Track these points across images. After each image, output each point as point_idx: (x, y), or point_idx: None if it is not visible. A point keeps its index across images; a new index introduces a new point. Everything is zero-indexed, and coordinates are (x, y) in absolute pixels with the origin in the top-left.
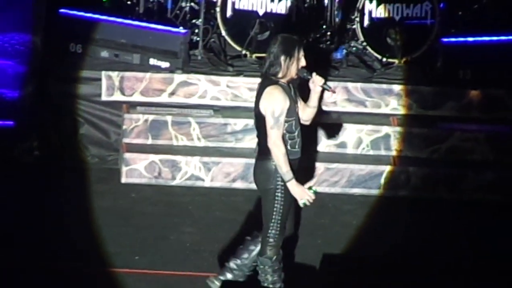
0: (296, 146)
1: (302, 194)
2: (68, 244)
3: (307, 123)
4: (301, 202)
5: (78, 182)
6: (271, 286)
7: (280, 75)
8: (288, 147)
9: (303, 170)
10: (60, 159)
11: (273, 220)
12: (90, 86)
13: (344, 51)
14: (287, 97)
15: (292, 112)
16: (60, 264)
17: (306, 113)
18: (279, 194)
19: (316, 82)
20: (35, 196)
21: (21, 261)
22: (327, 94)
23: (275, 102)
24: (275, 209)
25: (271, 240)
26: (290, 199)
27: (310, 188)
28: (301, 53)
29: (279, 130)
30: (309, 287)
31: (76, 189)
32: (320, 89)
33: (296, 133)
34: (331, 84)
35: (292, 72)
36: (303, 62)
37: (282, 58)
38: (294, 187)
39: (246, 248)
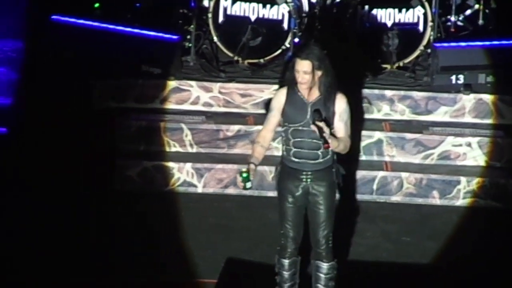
0: (291, 155)
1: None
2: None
3: (342, 153)
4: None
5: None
6: (276, 287)
7: (290, 80)
8: (284, 151)
9: None
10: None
11: (280, 219)
12: (83, 93)
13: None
14: (283, 99)
15: (289, 118)
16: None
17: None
18: (277, 193)
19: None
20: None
21: None
22: None
23: (271, 100)
24: (279, 208)
25: (281, 238)
26: (286, 201)
27: (240, 173)
28: (295, 65)
29: (264, 124)
30: None
31: (68, 196)
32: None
33: (291, 142)
34: None
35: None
36: (295, 75)
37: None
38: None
39: None
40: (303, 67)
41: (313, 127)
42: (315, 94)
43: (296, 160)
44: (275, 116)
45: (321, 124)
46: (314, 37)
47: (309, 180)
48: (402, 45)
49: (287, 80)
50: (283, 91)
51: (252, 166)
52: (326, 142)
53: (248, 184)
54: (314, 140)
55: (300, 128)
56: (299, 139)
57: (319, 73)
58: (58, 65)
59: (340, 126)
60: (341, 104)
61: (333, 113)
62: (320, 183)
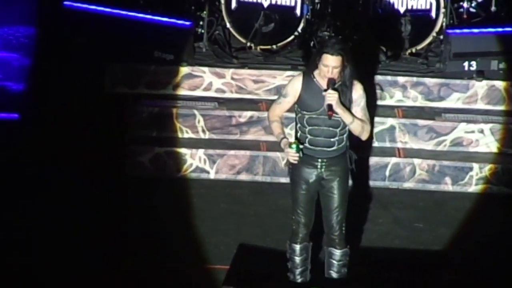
0: (306, 141)
1: (287, 155)
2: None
3: (361, 138)
4: (292, 161)
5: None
6: (289, 273)
7: (311, 68)
8: (298, 138)
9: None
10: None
11: (292, 205)
12: (95, 79)
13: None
14: (299, 86)
15: (305, 105)
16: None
17: (350, 128)
18: (290, 179)
19: (325, 98)
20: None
21: None
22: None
23: (287, 84)
24: (291, 194)
25: (292, 224)
26: (299, 188)
27: (290, 145)
28: (324, 61)
29: (276, 104)
30: None
31: (80, 182)
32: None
33: (307, 129)
34: None
35: (322, 74)
36: (324, 71)
37: (314, 54)
38: (283, 149)
39: None
40: (334, 63)
41: (324, 93)
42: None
43: (312, 147)
44: (289, 102)
45: (332, 91)
46: (327, 23)
47: (323, 167)
48: (414, 31)
49: (307, 70)
50: (299, 78)
51: (286, 140)
52: (330, 109)
53: (301, 153)
54: (331, 128)
55: (316, 116)
56: (315, 127)
57: (344, 66)
58: (70, 51)
59: (357, 111)
60: (357, 90)
61: (351, 100)
62: (335, 169)
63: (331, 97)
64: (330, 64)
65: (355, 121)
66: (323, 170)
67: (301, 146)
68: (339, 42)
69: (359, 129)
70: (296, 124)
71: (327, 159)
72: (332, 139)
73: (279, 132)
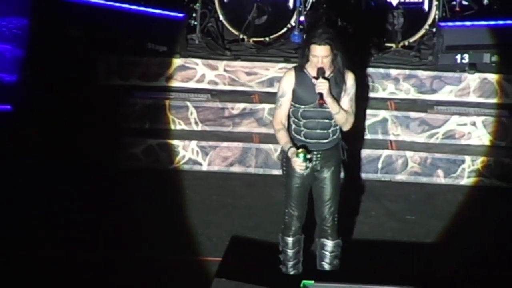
0: (301, 135)
1: (293, 164)
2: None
3: (343, 128)
4: (299, 171)
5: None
6: (281, 266)
7: (302, 61)
8: (292, 132)
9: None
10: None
11: (285, 198)
12: (88, 70)
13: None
14: (292, 81)
15: (300, 99)
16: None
17: (334, 118)
18: (284, 175)
19: (315, 87)
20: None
21: None
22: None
23: (280, 83)
24: (285, 187)
25: (284, 217)
26: (294, 181)
27: (297, 154)
28: (313, 51)
29: (277, 110)
30: None
31: (73, 174)
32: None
33: (302, 122)
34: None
35: (312, 65)
36: (314, 62)
37: (302, 46)
38: (290, 158)
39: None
40: (322, 52)
41: (314, 81)
42: (325, 73)
43: (308, 140)
44: (289, 99)
45: (323, 80)
46: (320, 15)
47: (318, 159)
48: (407, 24)
49: (299, 64)
50: (291, 73)
51: (294, 149)
52: (321, 98)
53: (309, 164)
54: (326, 120)
55: (311, 108)
56: (310, 120)
57: (334, 54)
58: (63, 42)
59: (345, 100)
60: (349, 80)
61: (344, 89)
62: (328, 160)
63: (322, 85)
64: (319, 54)
65: (340, 111)
66: (318, 162)
67: (308, 156)
68: (326, 31)
69: (343, 120)
70: (290, 118)
71: (322, 151)
72: (327, 131)
73: (285, 141)
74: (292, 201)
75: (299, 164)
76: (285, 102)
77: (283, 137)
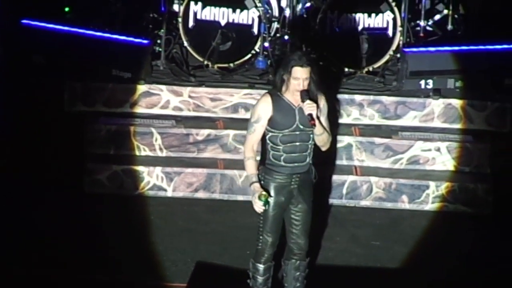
0: (281, 160)
1: (253, 202)
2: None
3: (323, 148)
4: (256, 210)
5: (41, 192)
6: None
7: (277, 86)
8: (271, 158)
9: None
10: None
11: (259, 225)
12: (53, 97)
13: (266, 59)
14: (269, 107)
15: (278, 124)
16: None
17: (316, 139)
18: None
19: (304, 109)
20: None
21: None
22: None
23: (253, 109)
24: (262, 213)
25: (257, 243)
26: (271, 209)
27: (259, 197)
28: (295, 74)
29: (250, 135)
30: None
31: (39, 199)
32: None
33: (281, 147)
34: None
35: (291, 89)
36: (295, 85)
37: (279, 71)
38: (252, 193)
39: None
40: (304, 75)
41: (302, 104)
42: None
43: (287, 165)
44: (263, 126)
45: (310, 101)
46: (284, 42)
47: (297, 183)
48: (371, 49)
49: (273, 89)
50: (267, 99)
51: (257, 185)
52: (313, 118)
53: (267, 206)
54: (304, 143)
55: (290, 132)
56: (289, 144)
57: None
58: (28, 69)
59: (322, 120)
60: (322, 101)
61: (319, 110)
62: (303, 183)
63: (311, 106)
64: (301, 76)
65: (324, 132)
66: (296, 186)
67: (269, 200)
68: (305, 53)
69: (326, 140)
70: (267, 144)
71: (300, 174)
72: (304, 153)
73: (253, 173)
74: (267, 228)
75: (258, 206)
76: (259, 128)
77: (251, 167)
